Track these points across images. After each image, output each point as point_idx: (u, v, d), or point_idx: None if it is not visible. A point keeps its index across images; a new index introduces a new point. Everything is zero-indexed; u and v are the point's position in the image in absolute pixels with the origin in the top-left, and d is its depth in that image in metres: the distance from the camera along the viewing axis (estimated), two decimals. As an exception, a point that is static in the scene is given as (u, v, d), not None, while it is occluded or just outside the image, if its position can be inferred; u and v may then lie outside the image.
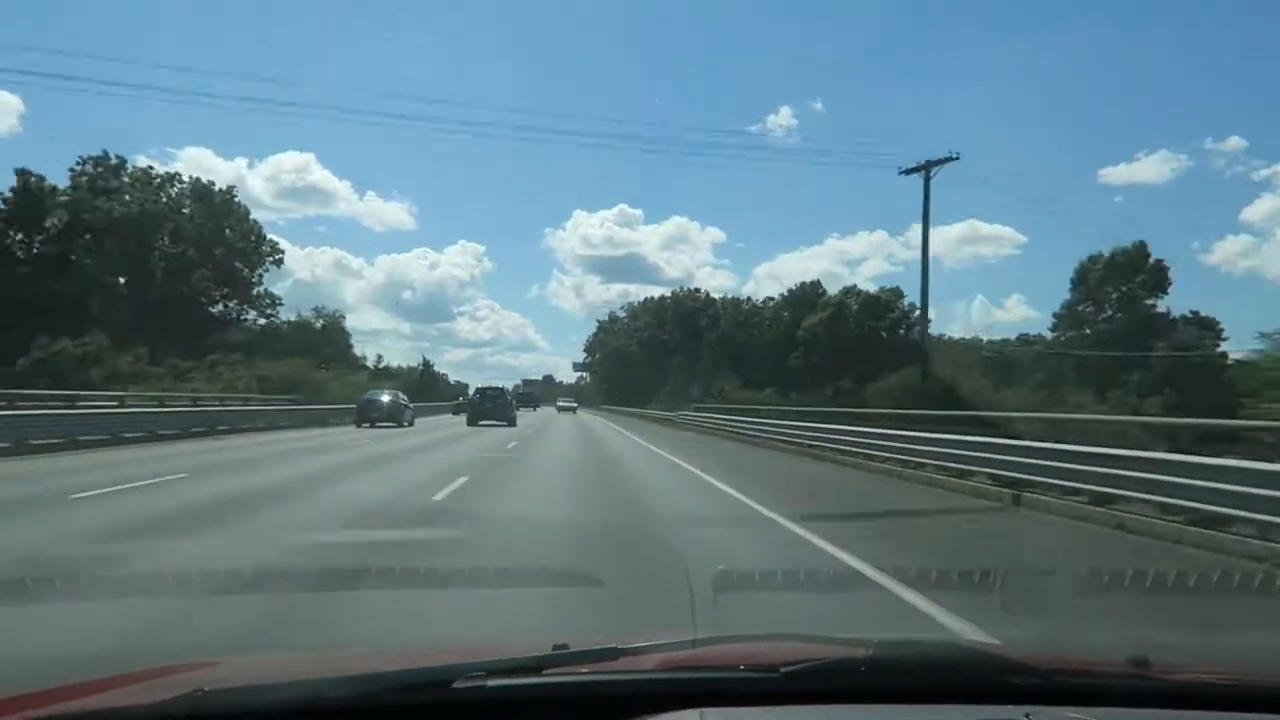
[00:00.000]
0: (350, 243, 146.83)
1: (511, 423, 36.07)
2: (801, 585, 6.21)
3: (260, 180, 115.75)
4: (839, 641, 1.84)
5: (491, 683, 1.53)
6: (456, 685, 1.51)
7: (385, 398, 36.45)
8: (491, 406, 37.72)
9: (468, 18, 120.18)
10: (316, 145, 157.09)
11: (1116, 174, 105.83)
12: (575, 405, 73.15)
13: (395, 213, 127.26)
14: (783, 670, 1.57)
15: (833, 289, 70.87)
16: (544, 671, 1.58)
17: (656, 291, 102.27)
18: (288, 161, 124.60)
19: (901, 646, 1.85)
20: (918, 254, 36.32)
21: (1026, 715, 1.52)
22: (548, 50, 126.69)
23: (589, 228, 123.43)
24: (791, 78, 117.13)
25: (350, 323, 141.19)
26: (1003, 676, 1.65)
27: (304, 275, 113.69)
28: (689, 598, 4.44)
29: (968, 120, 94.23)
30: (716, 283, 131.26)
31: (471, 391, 45.87)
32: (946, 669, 1.70)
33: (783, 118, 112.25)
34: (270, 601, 5.58)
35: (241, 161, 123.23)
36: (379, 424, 33.20)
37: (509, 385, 63.70)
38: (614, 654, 1.65)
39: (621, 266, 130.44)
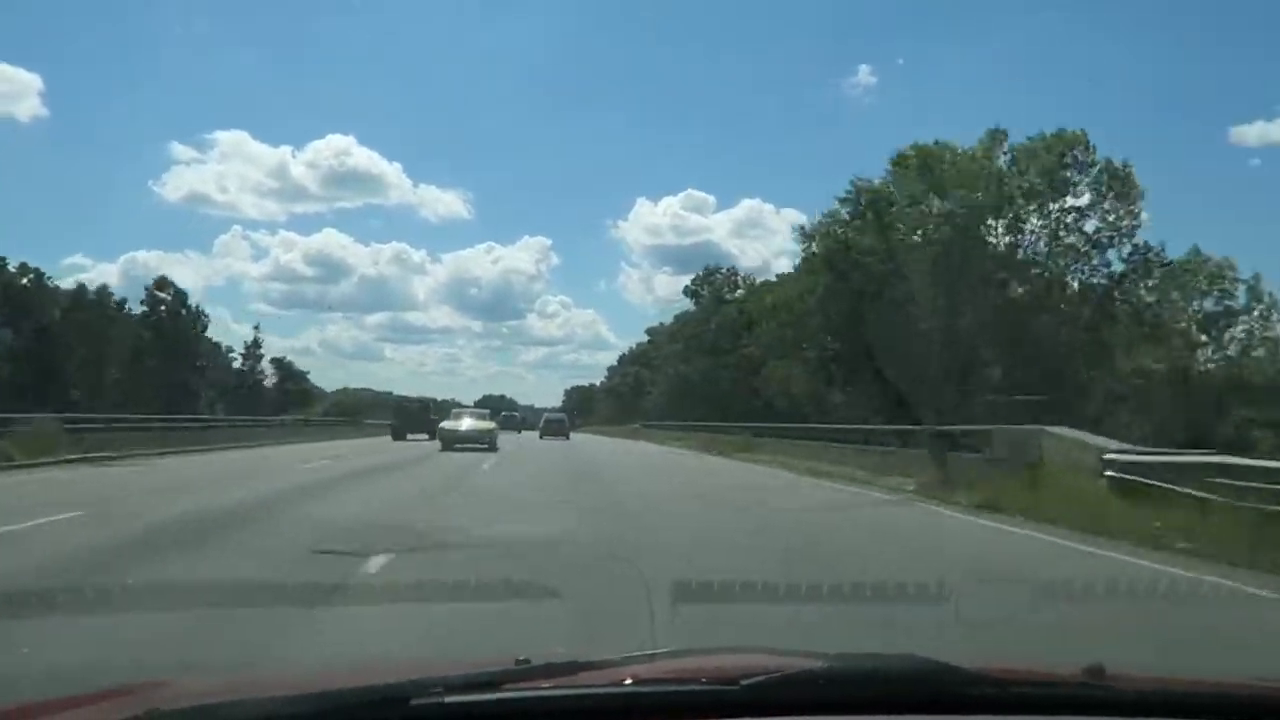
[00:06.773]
0: (407, 236, 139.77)
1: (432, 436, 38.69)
2: None
3: (303, 167, 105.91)
4: (799, 654, 1.86)
5: (449, 699, 1.52)
6: (414, 702, 1.49)
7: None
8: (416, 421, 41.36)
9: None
10: (360, 126, 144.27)
11: (1251, 133, 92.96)
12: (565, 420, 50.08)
13: (451, 202, 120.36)
14: (743, 683, 1.57)
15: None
16: (503, 687, 1.57)
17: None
18: (329, 146, 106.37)
19: (860, 659, 1.86)
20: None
21: None
22: (593, 22, 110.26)
23: (654, 216, 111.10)
24: (869, 31, 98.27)
25: (420, 320, 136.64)
26: (960, 688, 1.65)
27: (369, 272, 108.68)
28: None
29: (1064, 75, 78.06)
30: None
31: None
32: (904, 680, 1.70)
33: (862, 77, 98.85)
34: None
35: (286, 149, 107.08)
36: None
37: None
38: (574, 668, 1.64)
39: (692, 256, 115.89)
